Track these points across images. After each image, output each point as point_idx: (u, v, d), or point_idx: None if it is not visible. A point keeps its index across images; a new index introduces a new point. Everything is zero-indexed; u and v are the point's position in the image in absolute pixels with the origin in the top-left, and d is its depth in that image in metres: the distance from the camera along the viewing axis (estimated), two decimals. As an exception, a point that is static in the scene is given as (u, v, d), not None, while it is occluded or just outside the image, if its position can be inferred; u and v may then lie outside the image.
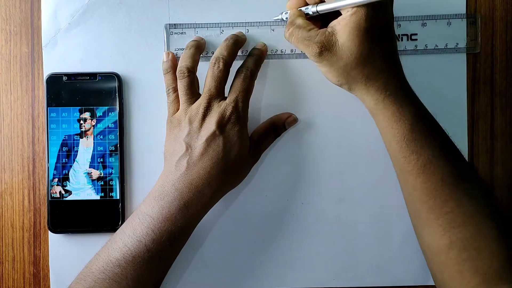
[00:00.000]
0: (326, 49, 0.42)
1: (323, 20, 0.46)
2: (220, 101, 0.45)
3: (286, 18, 0.47)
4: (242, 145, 0.45)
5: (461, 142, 0.50)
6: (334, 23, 0.43)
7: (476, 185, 0.42)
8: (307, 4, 0.46)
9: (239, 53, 0.49)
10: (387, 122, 0.43)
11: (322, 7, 0.44)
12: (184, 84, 0.45)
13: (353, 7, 0.41)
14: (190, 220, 0.44)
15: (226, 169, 0.44)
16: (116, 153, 0.49)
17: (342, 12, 0.43)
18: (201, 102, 0.45)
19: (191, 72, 0.46)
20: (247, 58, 0.48)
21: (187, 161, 0.44)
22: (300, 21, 0.45)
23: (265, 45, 0.49)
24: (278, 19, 0.49)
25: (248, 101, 0.46)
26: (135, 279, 0.41)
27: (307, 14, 0.46)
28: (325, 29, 0.43)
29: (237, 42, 0.47)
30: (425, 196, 0.42)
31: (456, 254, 0.41)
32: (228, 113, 0.44)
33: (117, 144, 0.49)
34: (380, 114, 0.43)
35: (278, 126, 0.49)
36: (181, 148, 0.44)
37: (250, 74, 0.46)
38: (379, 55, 0.42)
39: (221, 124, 0.44)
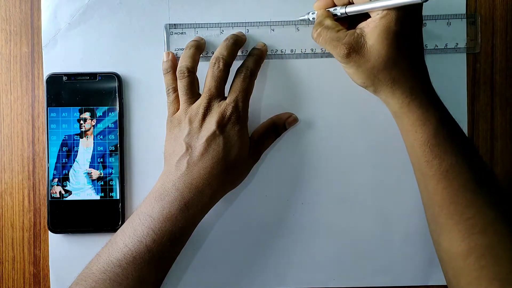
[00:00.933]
0: (354, 50, 0.42)
1: (350, 21, 0.46)
2: (220, 101, 0.45)
3: (313, 18, 0.47)
4: (242, 145, 0.45)
5: (461, 142, 0.50)
6: (362, 25, 0.43)
7: (497, 192, 0.42)
8: (335, 5, 0.46)
9: (239, 53, 0.49)
10: (411, 126, 0.43)
11: (351, 9, 0.44)
12: (184, 84, 0.45)
13: (383, 10, 0.41)
14: (190, 220, 0.44)
15: (227, 169, 0.44)
16: (116, 153, 0.49)
17: (371, 14, 0.43)
18: (201, 102, 0.45)
19: (191, 72, 0.46)
20: (247, 58, 0.48)
21: (187, 161, 0.44)
22: (328, 21, 0.45)
23: (265, 45, 0.49)
24: (304, 19, 0.49)
25: (248, 101, 0.46)
26: (136, 280, 0.41)
27: (335, 15, 0.46)
28: (353, 30, 0.43)
29: (237, 42, 0.47)
30: (446, 201, 0.42)
31: (474, 260, 0.40)
32: (228, 113, 0.44)
33: (117, 144, 0.49)
34: (404, 117, 0.43)
35: (278, 126, 0.49)
36: (181, 148, 0.44)
37: (250, 74, 0.46)
38: (407, 58, 0.42)
39: (221, 124, 0.44)
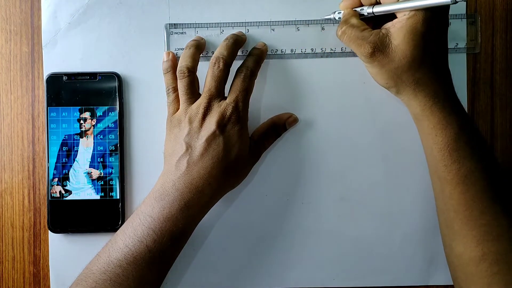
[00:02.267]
0: (378, 50, 0.42)
1: (374, 22, 0.46)
2: (220, 101, 0.45)
3: (339, 18, 0.47)
4: (242, 145, 0.45)
5: (461, 142, 0.50)
6: (388, 25, 0.43)
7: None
8: (361, 5, 0.46)
9: (239, 52, 0.49)
10: (431, 129, 0.43)
11: (378, 9, 0.44)
12: (184, 84, 0.45)
13: (410, 10, 0.41)
14: (190, 220, 0.44)
15: (227, 169, 0.44)
16: (116, 153, 0.49)
17: (398, 15, 0.43)
18: (201, 102, 0.45)
19: (191, 72, 0.46)
20: (247, 58, 0.48)
21: (187, 161, 0.44)
22: (354, 20, 0.45)
23: (265, 45, 0.49)
24: (330, 18, 0.49)
25: (248, 101, 0.46)
26: (136, 280, 0.41)
27: (361, 15, 0.46)
28: (379, 30, 0.43)
29: (237, 41, 0.47)
30: (462, 207, 0.42)
31: (487, 266, 0.40)
32: (228, 113, 0.44)
33: (117, 144, 0.49)
34: (425, 120, 0.43)
35: (278, 126, 0.49)
36: (181, 148, 0.44)
37: (250, 74, 0.46)
38: (432, 60, 0.42)
39: (222, 124, 0.44)
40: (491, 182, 0.42)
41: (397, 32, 0.42)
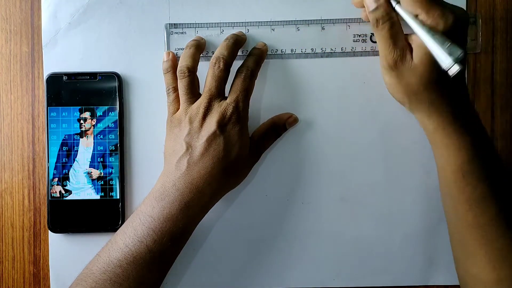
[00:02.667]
0: (401, 60, 0.41)
1: None
2: (220, 101, 0.45)
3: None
4: (243, 145, 0.45)
5: (461, 142, 0.50)
6: (412, 38, 0.41)
7: None
8: None
9: (240, 52, 0.49)
10: (444, 150, 0.42)
11: (399, 10, 0.41)
12: (185, 83, 0.45)
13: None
14: (191, 220, 0.44)
15: (227, 169, 0.44)
16: (116, 152, 0.49)
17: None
18: (201, 102, 0.45)
19: (191, 72, 0.46)
20: (247, 58, 0.48)
21: (187, 160, 0.44)
22: (396, 19, 0.42)
23: (265, 45, 0.49)
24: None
25: (249, 101, 0.46)
26: (136, 280, 0.41)
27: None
28: (405, 39, 0.41)
29: (237, 41, 0.47)
30: (476, 230, 0.41)
31: None
32: (228, 113, 0.44)
33: (117, 144, 0.49)
34: (438, 140, 0.42)
35: (278, 127, 0.49)
36: (182, 147, 0.44)
37: (250, 74, 0.46)
38: (448, 82, 0.41)
39: (222, 124, 0.44)
40: (506, 206, 0.41)
41: (417, 50, 0.41)
